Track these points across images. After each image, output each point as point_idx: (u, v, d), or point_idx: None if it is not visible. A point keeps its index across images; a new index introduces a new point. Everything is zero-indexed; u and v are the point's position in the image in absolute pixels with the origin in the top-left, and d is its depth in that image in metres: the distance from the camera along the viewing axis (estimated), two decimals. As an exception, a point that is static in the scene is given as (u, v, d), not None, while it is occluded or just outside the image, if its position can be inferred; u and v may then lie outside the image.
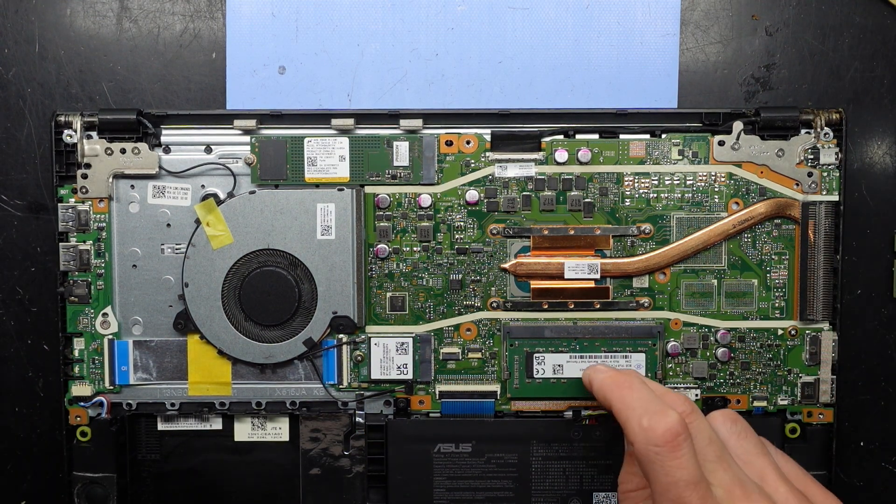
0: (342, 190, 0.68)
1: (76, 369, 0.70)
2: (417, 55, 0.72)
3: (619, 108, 0.70)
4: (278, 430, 0.71)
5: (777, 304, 0.70)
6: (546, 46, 0.72)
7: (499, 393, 0.70)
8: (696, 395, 0.70)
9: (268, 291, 0.69)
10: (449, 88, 0.73)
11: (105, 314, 0.69)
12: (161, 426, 0.71)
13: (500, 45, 0.72)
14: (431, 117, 0.69)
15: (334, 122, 0.69)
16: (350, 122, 0.69)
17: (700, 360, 0.70)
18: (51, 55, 0.72)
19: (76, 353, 0.70)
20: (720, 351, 0.70)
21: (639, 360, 0.69)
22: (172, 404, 0.70)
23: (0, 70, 0.72)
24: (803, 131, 0.69)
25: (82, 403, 0.70)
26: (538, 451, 0.70)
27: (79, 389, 0.70)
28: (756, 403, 0.70)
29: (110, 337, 0.70)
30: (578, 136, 0.69)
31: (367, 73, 0.72)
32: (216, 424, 0.71)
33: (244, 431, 0.71)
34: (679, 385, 0.70)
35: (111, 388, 0.70)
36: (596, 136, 0.69)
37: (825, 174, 0.69)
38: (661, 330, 0.70)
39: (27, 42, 0.72)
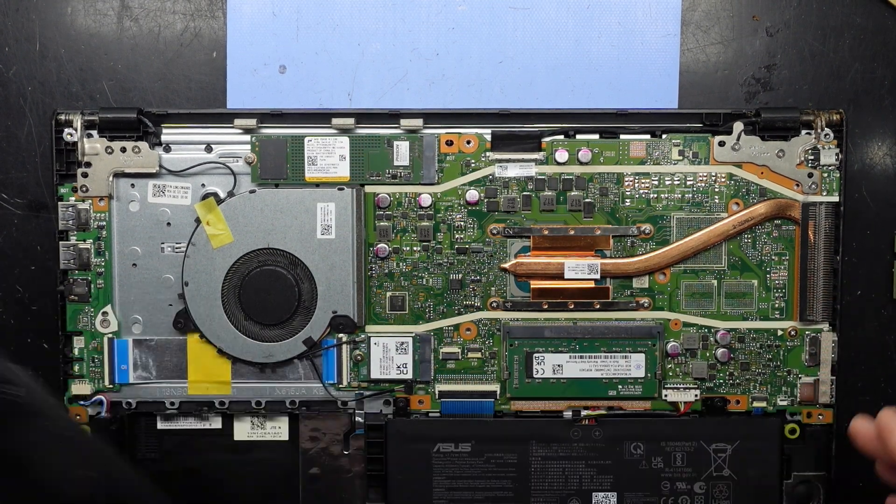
0: (342, 189, 0.68)
1: (76, 368, 0.70)
2: (418, 55, 0.72)
3: (620, 108, 0.70)
4: (278, 430, 0.71)
5: (777, 305, 0.70)
6: (546, 46, 0.72)
7: (498, 393, 0.70)
8: (696, 395, 0.70)
9: (268, 291, 0.69)
10: (449, 88, 0.72)
11: (105, 313, 0.69)
12: (161, 425, 0.71)
13: (500, 45, 0.72)
14: (432, 117, 0.69)
15: (335, 121, 0.69)
16: (350, 121, 0.68)
17: (700, 361, 0.70)
18: (51, 54, 0.72)
19: (76, 351, 0.70)
20: (720, 351, 0.70)
21: (638, 360, 0.69)
22: (172, 403, 0.70)
23: (1, 68, 0.72)
24: (804, 132, 0.69)
25: (82, 402, 0.70)
26: (538, 451, 0.70)
27: (78, 388, 0.70)
28: (756, 404, 0.70)
29: (110, 336, 0.70)
30: (579, 137, 0.69)
31: (367, 73, 0.72)
32: (216, 423, 0.71)
33: (244, 430, 0.71)
34: (679, 385, 0.70)
35: (111, 386, 0.70)
36: (596, 137, 0.69)
37: (825, 175, 0.69)
38: (660, 330, 0.70)
39: (28, 40, 0.72)
